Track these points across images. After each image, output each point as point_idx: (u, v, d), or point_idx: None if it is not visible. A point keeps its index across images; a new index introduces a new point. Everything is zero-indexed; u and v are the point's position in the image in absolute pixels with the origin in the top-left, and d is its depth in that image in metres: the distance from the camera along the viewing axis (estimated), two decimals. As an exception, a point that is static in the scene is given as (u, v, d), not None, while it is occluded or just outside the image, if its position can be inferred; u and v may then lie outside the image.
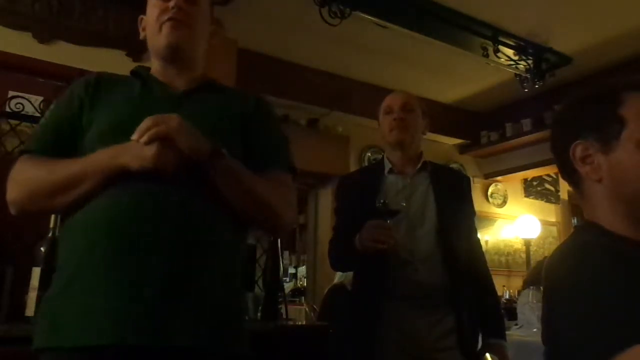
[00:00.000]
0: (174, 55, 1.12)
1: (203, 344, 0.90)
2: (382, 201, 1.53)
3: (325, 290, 2.89)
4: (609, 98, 0.87)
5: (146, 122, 0.93)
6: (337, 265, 1.83)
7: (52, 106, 1.11)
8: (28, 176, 1.00)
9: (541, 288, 0.91)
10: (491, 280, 1.75)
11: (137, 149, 0.93)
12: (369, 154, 4.44)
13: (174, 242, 0.92)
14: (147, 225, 0.92)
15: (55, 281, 0.97)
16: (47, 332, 0.91)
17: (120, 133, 0.97)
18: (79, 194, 0.96)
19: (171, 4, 1.09)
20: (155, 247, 0.91)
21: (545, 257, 3.73)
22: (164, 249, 0.91)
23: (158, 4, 1.11)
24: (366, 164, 4.27)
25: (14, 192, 1.00)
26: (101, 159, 0.96)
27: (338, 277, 2.82)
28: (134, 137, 0.93)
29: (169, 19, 1.09)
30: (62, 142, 1.04)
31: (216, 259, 0.98)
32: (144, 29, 1.19)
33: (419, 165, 1.73)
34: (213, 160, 0.97)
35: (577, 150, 0.88)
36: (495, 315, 1.73)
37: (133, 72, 1.16)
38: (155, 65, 1.16)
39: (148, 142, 0.92)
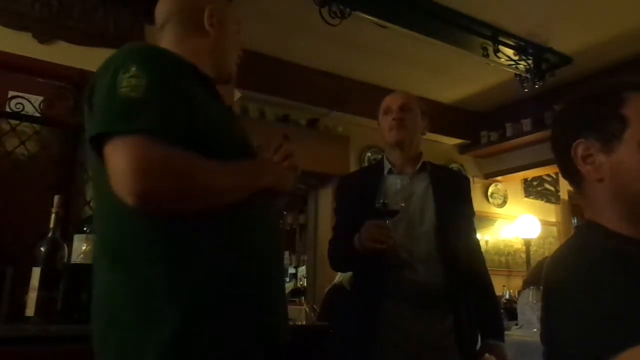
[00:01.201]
0: (225, 79, 1.18)
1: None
2: (381, 201, 1.53)
3: (325, 291, 2.89)
4: (612, 97, 0.86)
5: (284, 147, 1.03)
6: (336, 265, 1.83)
7: (148, 75, 0.88)
8: (198, 173, 0.86)
9: (541, 288, 0.91)
10: (490, 280, 1.75)
11: (282, 173, 1.01)
12: (369, 154, 4.44)
13: (282, 257, 1.11)
14: (279, 239, 1.08)
15: (233, 286, 0.91)
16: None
17: (239, 147, 1.02)
18: (227, 203, 0.91)
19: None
20: (280, 261, 1.08)
21: (546, 257, 3.72)
22: (282, 263, 1.09)
23: (238, 35, 1.21)
24: (366, 164, 4.27)
25: (168, 181, 0.82)
26: (249, 173, 0.97)
27: (337, 277, 2.82)
28: (277, 158, 1.02)
29: (240, 57, 1.21)
30: (184, 133, 0.88)
31: None
32: (212, 25, 1.11)
33: (419, 166, 1.74)
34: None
35: (579, 149, 0.87)
36: (494, 316, 1.73)
37: (196, 72, 1.04)
38: (203, 70, 1.08)
39: (288, 168, 1.03)
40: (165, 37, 1.12)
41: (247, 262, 0.95)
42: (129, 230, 0.90)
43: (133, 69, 0.87)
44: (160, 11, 1.14)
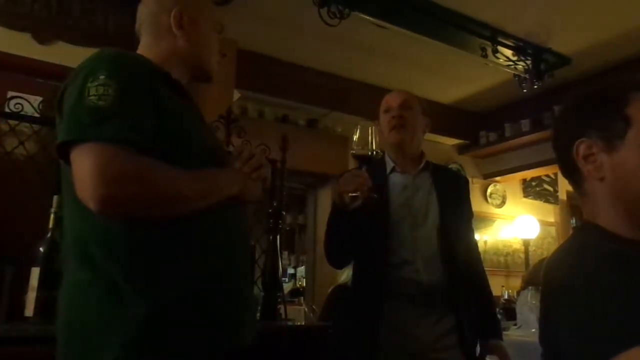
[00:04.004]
0: (205, 79, 1.19)
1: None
2: (355, 148, 1.49)
3: (330, 290, 2.89)
4: (616, 97, 0.86)
5: (255, 158, 1.08)
6: (329, 253, 1.70)
7: (116, 83, 0.90)
8: (162, 181, 0.89)
9: (540, 289, 0.91)
10: (487, 281, 1.76)
11: (250, 183, 1.05)
12: (368, 154, 4.44)
13: (248, 261, 1.15)
14: (246, 244, 1.11)
15: (194, 291, 0.94)
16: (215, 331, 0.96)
17: (210, 155, 1.04)
18: (192, 211, 0.94)
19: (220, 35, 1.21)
20: (246, 264, 1.13)
21: (544, 257, 3.73)
22: (248, 266, 1.15)
23: (215, 34, 1.19)
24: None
25: (131, 188, 0.85)
26: (216, 182, 1.00)
27: (343, 277, 2.82)
28: (246, 169, 1.06)
29: (222, 56, 1.22)
30: (152, 142, 0.91)
31: None
32: (181, 27, 1.10)
33: (421, 165, 1.74)
34: None
35: (581, 148, 0.87)
36: (493, 316, 1.74)
37: (167, 78, 1.05)
38: (176, 74, 1.10)
39: (256, 179, 1.07)
40: (141, 42, 1.14)
41: (211, 266, 0.97)
42: (95, 233, 0.92)
43: (102, 77, 0.90)
44: (137, 16, 1.16)
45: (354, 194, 1.41)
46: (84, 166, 0.84)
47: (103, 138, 0.85)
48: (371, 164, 1.49)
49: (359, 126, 1.50)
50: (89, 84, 0.89)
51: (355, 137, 1.49)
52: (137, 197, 0.87)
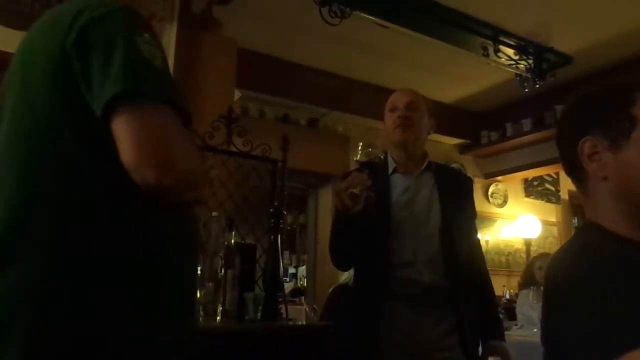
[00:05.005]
0: None
1: None
2: (358, 154, 1.54)
3: (331, 289, 2.89)
4: (622, 96, 0.86)
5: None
6: (335, 257, 1.68)
7: (159, 47, 0.83)
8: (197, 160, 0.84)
9: (541, 288, 0.91)
10: (490, 282, 1.75)
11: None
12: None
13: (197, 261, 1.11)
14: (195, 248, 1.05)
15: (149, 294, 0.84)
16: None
17: None
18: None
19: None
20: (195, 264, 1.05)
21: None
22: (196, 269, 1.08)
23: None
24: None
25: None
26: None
27: (344, 277, 2.82)
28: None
29: None
30: None
31: None
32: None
33: (424, 166, 1.73)
34: None
35: (585, 146, 0.86)
36: (495, 317, 1.73)
37: None
38: None
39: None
40: None
41: (162, 266, 0.85)
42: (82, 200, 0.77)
43: (146, 35, 0.81)
44: None
45: (352, 191, 1.42)
46: (151, 127, 0.74)
47: (166, 100, 0.77)
48: (372, 167, 1.50)
49: (362, 141, 1.55)
50: (136, 38, 0.78)
51: (359, 146, 1.54)
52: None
